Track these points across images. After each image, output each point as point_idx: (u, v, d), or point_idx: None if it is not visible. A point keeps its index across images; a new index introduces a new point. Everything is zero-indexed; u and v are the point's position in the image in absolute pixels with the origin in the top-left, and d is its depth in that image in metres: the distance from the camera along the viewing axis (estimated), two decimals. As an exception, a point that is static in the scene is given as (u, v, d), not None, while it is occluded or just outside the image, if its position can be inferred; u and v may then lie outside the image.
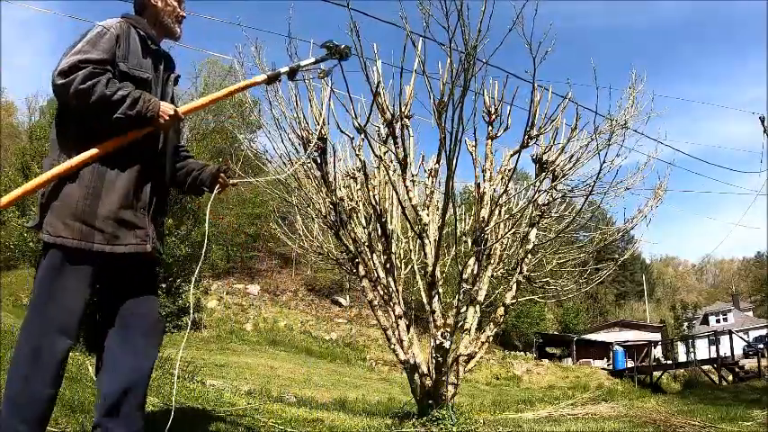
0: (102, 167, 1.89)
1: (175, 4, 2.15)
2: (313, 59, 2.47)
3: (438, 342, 4.47)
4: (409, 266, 5.66)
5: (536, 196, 5.09)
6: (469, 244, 5.27)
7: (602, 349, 32.55)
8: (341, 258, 5.90)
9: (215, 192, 2.28)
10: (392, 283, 5.11)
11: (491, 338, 5.17)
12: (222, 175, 2.26)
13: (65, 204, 1.85)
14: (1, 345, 5.39)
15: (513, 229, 5.32)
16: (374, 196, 5.12)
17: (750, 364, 23.36)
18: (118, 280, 2.00)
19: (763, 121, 15.84)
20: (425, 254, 4.93)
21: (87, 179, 1.87)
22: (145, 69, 2.00)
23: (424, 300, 4.93)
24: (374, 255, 5.30)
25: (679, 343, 32.76)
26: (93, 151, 1.87)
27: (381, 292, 5.20)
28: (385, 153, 5.09)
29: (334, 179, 5.13)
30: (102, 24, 1.96)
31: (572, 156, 5.11)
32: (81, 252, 1.84)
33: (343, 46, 2.41)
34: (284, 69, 2.37)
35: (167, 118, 1.93)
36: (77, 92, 1.79)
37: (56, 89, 1.83)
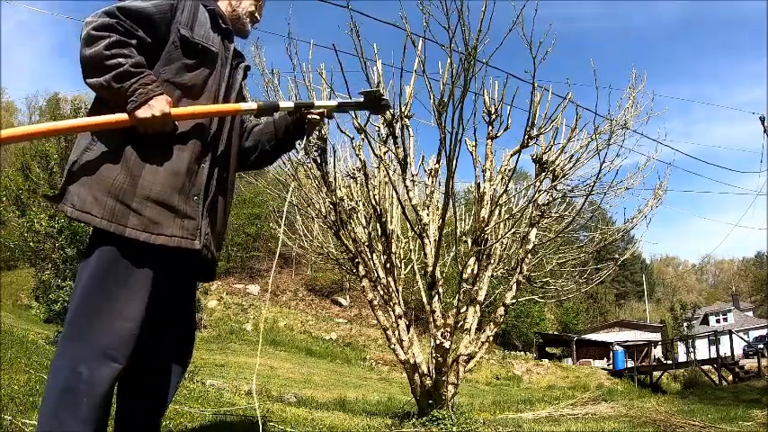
0: (149, 141, 1.59)
1: (253, 3, 1.97)
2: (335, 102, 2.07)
3: (438, 342, 4.47)
4: (409, 266, 5.66)
5: (536, 196, 5.09)
6: (469, 244, 5.27)
7: (603, 349, 32.53)
8: (341, 258, 5.90)
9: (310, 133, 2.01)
10: (392, 283, 5.11)
11: (491, 338, 5.16)
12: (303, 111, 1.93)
13: (100, 178, 1.55)
14: (1, 345, 5.40)
15: (513, 229, 5.32)
16: (374, 196, 5.12)
17: (750, 364, 23.36)
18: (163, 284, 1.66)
19: (763, 121, 15.85)
20: (425, 254, 4.93)
21: (129, 154, 1.57)
22: (213, 44, 1.76)
23: (424, 300, 4.93)
24: (374, 255, 5.30)
25: (679, 343, 32.76)
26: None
27: (381, 292, 5.20)
28: (385, 153, 5.10)
29: (335, 179, 5.13)
30: None
31: (572, 156, 5.11)
32: (120, 238, 1.53)
33: (379, 95, 2.00)
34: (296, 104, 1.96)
35: (154, 115, 1.53)
36: (86, 36, 1.53)
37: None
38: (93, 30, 1.52)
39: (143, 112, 1.52)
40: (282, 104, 1.87)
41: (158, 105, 1.54)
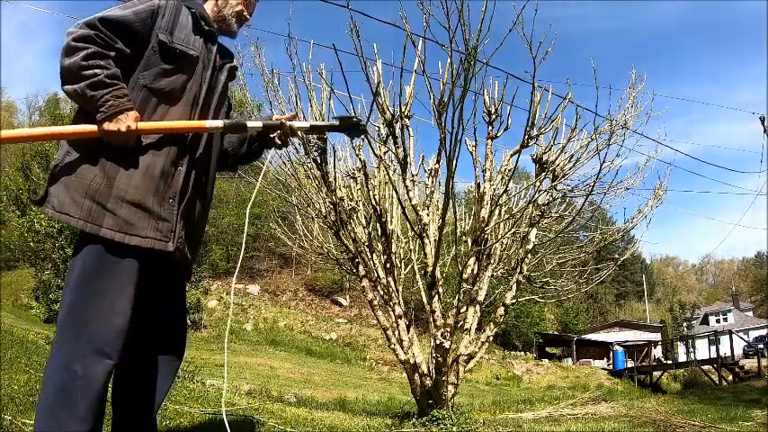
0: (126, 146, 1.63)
1: (240, 3, 1.96)
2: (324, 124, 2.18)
3: (438, 342, 4.47)
4: (409, 266, 5.66)
5: (536, 196, 5.09)
6: (469, 244, 5.27)
7: (603, 349, 32.53)
8: (341, 258, 5.90)
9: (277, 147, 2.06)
10: (392, 283, 5.11)
11: (491, 338, 5.16)
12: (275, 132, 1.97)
13: (78, 180, 1.59)
14: (1, 345, 5.40)
15: (513, 229, 5.32)
16: (374, 196, 5.12)
17: (750, 364, 23.37)
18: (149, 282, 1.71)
19: (763, 121, 15.87)
20: (425, 254, 4.93)
21: (105, 157, 1.62)
22: (194, 47, 1.77)
23: (424, 300, 4.93)
24: (374, 255, 5.30)
25: (679, 343, 32.77)
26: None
27: (381, 292, 5.20)
28: (385, 153, 5.10)
29: (335, 179, 5.13)
30: None
31: (572, 156, 5.11)
32: (97, 238, 1.57)
33: (356, 120, 2.03)
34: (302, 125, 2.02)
35: (120, 130, 1.57)
36: (66, 46, 1.57)
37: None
38: (72, 40, 1.57)
39: (110, 126, 1.57)
40: (250, 124, 1.87)
41: (126, 121, 1.58)
